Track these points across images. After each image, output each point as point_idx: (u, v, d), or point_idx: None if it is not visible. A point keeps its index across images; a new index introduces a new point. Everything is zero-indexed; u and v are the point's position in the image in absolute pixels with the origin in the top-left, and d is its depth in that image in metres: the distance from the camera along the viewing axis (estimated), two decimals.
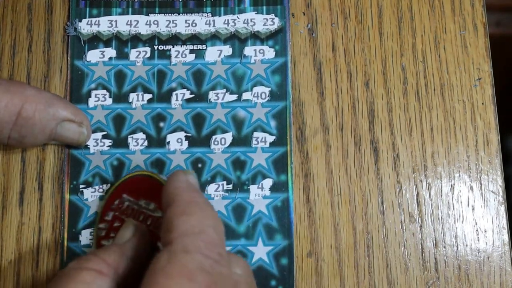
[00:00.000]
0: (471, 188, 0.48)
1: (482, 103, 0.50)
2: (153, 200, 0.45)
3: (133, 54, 0.49)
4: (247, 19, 0.50)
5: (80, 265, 0.38)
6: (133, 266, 0.40)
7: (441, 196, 0.48)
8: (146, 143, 0.48)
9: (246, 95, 0.49)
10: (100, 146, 0.48)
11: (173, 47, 0.50)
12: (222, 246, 0.38)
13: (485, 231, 0.48)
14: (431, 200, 0.48)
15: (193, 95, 0.49)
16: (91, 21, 0.50)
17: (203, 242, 0.37)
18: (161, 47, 0.50)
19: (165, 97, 0.49)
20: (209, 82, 0.49)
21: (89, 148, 0.48)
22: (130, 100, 0.49)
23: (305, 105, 0.49)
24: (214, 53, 0.50)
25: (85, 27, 0.50)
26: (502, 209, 0.48)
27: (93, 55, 0.49)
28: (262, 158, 0.48)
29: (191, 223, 0.38)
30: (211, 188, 0.47)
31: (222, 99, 0.49)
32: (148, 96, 0.49)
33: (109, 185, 0.47)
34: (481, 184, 0.48)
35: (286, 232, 0.47)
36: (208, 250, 0.37)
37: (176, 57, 0.49)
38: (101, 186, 0.47)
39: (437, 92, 0.50)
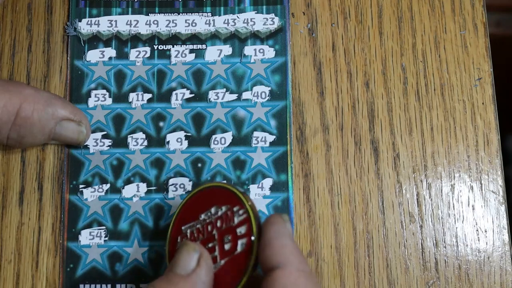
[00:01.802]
0: (471, 188, 0.48)
1: (482, 103, 0.50)
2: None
3: (133, 54, 0.49)
4: (247, 19, 0.50)
5: None
6: None
7: (441, 196, 0.48)
8: (146, 143, 0.48)
9: (246, 95, 0.49)
10: (100, 146, 0.48)
11: (173, 46, 0.50)
12: None
13: (485, 231, 0.48)
14: (431, 200, 0.48)
15: (193, 95, 0.49)
16: (91, 21, 0.50)
17: None
18: (161, 47, 0.50)
19: (165, 96, 0.49)
20: (209, 82, 0.49)
21: (88, 148, 0.48)
22: (130, 100, 0.49)
23: (305, 105, 0.49)
24: (214, 52, 0.50)
25: (85, 27, 0.50)
26: (502, 209, 0.48)
27: (93, 55, 0.49)
28: (262, 158, 0.48)
29: None
30: None
31: (222, 98, 0.49)
32: (148, 96, 0.49)
33: (108, 185, 0.47)
34: (481, 184, 0.48)
35: None
36: None
37: (176, 56, 0.49)
38: (100, 186, 0.47)
39: (437, 92, 0.50)
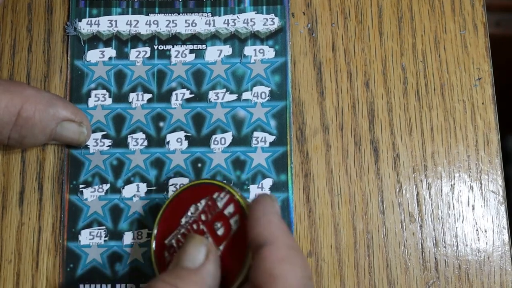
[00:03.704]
0: (471, 188, 0.48)
1: (482, 103, 0.50)
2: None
3: (133, 54, 0.49)
4: (247, 19, 0.50)
5: None
6: None
7: (441, 196, 0.48)
8: (146, 143, 0.48)
9: (246, 95, 0.49)
10: (100, 146, 0.48)
11: (173, 47, 0.50)
12: None
13: (485, 231, 0.48)
14: (431, 200, 0.48)
15: (193, 95, 0.49)
16: (91, 21, 0.50)
17: None
18: (161, 47, 0.50)
19: (165, 97, 0.49)
20: (209, 82, 0.49)
21: (88, 148, 0.48)
22: (130, 100, 0.49)
23: (305, 105, 0.49)
24: (214, 53, 0.50)
25: (85, 27, 0.50)
26: (502, 209, 0.48)
27: (93, 55, 0.49)
28: (262, 158, 0.48)
29: (295, 274, 0.37)
30: None
31: (222, 99, 0.49)
32: (148, 96, 0.49)
33: (108, 185, 0.47)
34: (481, 184, 0.48)
35: None
36: None
37: (176, 57, 0.49)
38: (100, 186, 0.47)
39: (437, 92, 0.50)
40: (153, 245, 0.44)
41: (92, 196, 0.47)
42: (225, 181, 0.45)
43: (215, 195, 0.43)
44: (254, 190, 0.47)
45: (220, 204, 0.42)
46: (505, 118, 0.76)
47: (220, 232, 0.42)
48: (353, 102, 0.49)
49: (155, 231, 0.44)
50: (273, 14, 0.50)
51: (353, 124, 0.49)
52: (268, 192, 0.47)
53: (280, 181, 0.48)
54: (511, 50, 0.90)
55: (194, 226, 0.42)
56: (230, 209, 0.42)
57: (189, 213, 0.43)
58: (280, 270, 0.37)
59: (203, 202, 0.43)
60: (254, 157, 0.48)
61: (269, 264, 0.37)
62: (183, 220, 0.43)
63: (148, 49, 0.50)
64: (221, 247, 0.41)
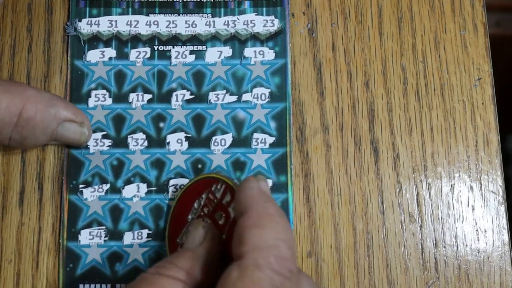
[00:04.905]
0: (471, 188, 0.48)
1: (482, 103, 0.50)
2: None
3: (133, 54, 0.49)
4: (247, 20, 0.50)
5: (160, 271, 0.38)
6: (207, 270, 0.40)
7: (441, 196, 0.48)
8: (146, 143, 0.48)
9: (246, 96, 0.49)
10: (100, 146, 0.48)
11: (173, 47, 0.50)
12: (294, 262, 0.37)
13: (485, 231, 0.48)
14: (431, 200, 0.48)
15: (193, 96, 0.49)
16: (91, 21, 0.50)
17: (274, 257, 0.36)
18: (161, 48, 0.50)
19: (165, 97, 0.49)
20: (209, 83, 0.49)
21: (88, 148, 0.48)
22: (130, 100, 0.49)
23: (305, 105, 0.49)
24: (214, 54, 0.50)
25: (85, 27, 0.50)
26: (502, 209, 0.48)
27: (93, 55, 0.49)
28: (262, 159, 0.48)
29: (263, 237, 0.37)
30: None
31: (222, 100, 0.49)
32: (148, 97, 0.49)
33: (108, 185, 0.47)
34: (481, 184, 0.48)
35: None
36: (279, 266, 0.36)
37: (176, 57, 0.49)
38: (100, 186, 0.47)
39: (437, 92, 0.50)
40: (167, 244, 0.46)
41: (92, 196, 0.47)
42: (222, 172, 0.46)
43: (213, 187, 0.44)
44: None
45: (218, 195, 0.43)
46: (505, 118, 0.76)
47: (221, 221, 0.43)
48: (353, 102, 0.49)
49: (167, 233, 0.46)
50: (273, 16, 0.50)
51: (353, 124, 0.49)
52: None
53: (280, 182, 0.48)
54: (511, 50, 0.90)
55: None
56: (227, 197, 0.43)
57: (193, 209, 0.44)
58: (247, 235, 0.37)
59: (204, 196, 0.44)
60: (254, 158, 0.48)
61: (240, 231, 0.38)
62: (190, 217, 0.45)
63: (148, 49, 0.50)
64: (224, 235, 0.42)
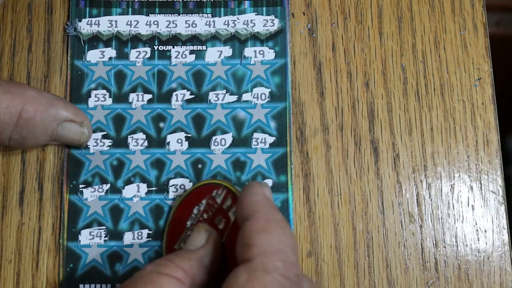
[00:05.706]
0: (471, 188, 0.48)
1: (482, 103, 0.50)
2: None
3: (133, 54, 0.49)
4: (247, 20, 0.50)
5: (158, 269, 0.38)
6: (208, 274, 0.40)
7: (441, 196, 0.48)
8: (146, 143, 0.48)
9: (246, 96, 0.49)
10: (100, 146, 0.48)
11: (173, 47, 0.50)
12: (298, 266, 0.38)
13: (485, 231, 0.48)
14: (431, 200, 0.48)
15: (193, 96, 0.49)
16: (91, 21, 0.50)
17: (282, 262, 0.37)
18: (161, 48, 0.50)
19: (165, 97, 0.49)
20: (209, 83, 0.49)
21: (89, 148, 0.48)
22: (130, 100, 0.49)
23: (305, 105, 0.49)
24: (214, 54, 0.50)
25: (85, 27, 0.50)
26: (502, 209, 0.48)
27: (93, 55, 0.49)
28: (262, 159, 0.48)
29: (271, 242, 0.37)
30: None
31: (222, 100, 0.49)
32: (148, 97, 0.49)
33: (108, 185, 0.47)
34: (481, 184, 0.48)
35: None
36: (286, 270, 0.37)
37: (176, 57, 0.49)
38: (100, 186, 0.47)
39: (437, 92, 0.50)
40: (164, 251, 0.46)
41: (92, 196, 0.47)
42: (225, 179, 0.46)
43: (214, 193, 0.44)
44: None
45: (219, 200, 0.43)
46: (505, 118, 0.76)
47: (221, 226, 0.43)
48: (353, 102, 0.49)
49: (164, 238, 0.46)
50: (273, 16, 0.50)
51: (353, 124, 0.49)
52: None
53: (280, 182, 0.48)
54: (511, 50, 0.90)
55: None
56: (228, 202, 0.43)
57: (192, 215, 0.44)
58: (255, 239, 0.37)
59: (204, 202, 0.44)
60: (254, 158, 0.48)
61: (247, 235, 0.38)
62: (188, 223, 0.45)
63: (148, 49, 0.50)
64: (224, 239, 0.42)
